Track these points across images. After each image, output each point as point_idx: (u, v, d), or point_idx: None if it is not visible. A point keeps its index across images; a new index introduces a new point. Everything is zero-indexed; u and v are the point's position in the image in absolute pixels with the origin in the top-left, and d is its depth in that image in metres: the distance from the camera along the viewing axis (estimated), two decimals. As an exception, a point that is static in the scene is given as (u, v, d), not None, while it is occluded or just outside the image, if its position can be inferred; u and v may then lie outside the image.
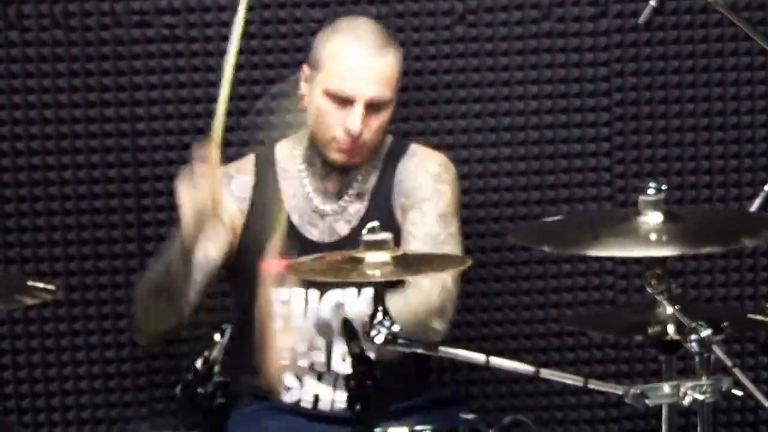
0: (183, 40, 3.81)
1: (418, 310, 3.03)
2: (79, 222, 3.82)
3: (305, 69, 3.14)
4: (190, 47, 3.84)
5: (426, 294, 3.08)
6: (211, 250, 3.08)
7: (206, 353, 3.05)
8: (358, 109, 2.98)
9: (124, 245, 3.82)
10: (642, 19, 3.25)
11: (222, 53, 3.42)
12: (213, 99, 3.48)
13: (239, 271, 3.19)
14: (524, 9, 3.70)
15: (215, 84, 3.48)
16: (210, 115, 3.45)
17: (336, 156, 3.07)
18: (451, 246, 3.17)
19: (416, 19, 3.69)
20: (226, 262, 3.18)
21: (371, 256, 2.45)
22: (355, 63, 3.04)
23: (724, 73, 3.79)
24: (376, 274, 2.45)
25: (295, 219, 3.17)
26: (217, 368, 3.08)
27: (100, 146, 3.80)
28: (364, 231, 2.49)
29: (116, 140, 3.79)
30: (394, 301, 2.85)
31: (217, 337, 3.04)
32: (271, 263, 2.97)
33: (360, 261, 2.46)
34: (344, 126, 3.00)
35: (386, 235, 2.48)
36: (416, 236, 3.15)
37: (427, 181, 3.24)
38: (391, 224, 3.05)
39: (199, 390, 3.02)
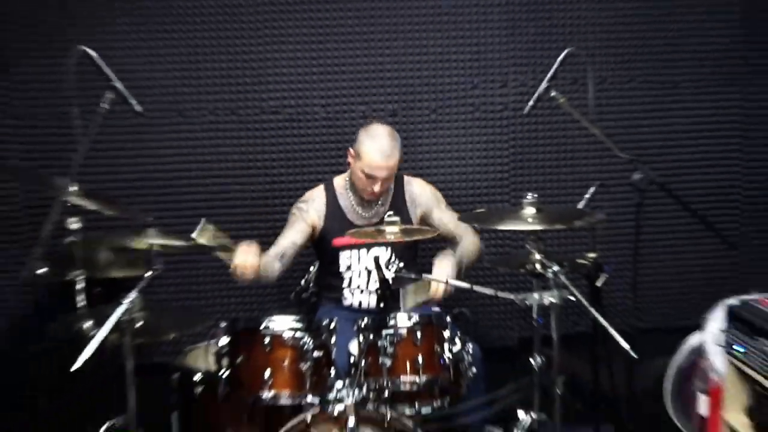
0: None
1: (476, 247, 3.37)
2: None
3: (351, 151, 3.23)
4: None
5: (473, 240, 3.38)
6: (298, 240, 3.24)
7: (307, 275, 3.34)
8: (378, 183, 3.17)
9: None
10: (527, 109, 3.36)
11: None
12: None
13: (322, 245, 3.32)
14: (465, 106, 3.72)
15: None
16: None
17: (367, 198, 3.28)
18: (456, 218, 3.37)
19: (406, 111, 3.71)
20: (311, 241, 3.32)
21: (389, 228, 2.76)
22: (377, 163, 3.14)
23: (577, 138, 3.78)
24: (392, 237, 2.75)
25: (349, 217, 3.30)
26: (311, 284, 3.34)
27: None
28: (386, 217, 2.78)
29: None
30: (466, 245, 3.35)
31: (312, 268, 3.32)
32: (340, 239, 3.04)
33: (383, 230, 2.77)
34: (371, 189, 3.19)
35: (396, 219, 2.78)
36: (450, 222, 3.37)
37: (429, 196, 3.43)
38: (405, 217, 3.30)
39: (303, 295, 3.33)
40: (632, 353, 2.53)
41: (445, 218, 3.39)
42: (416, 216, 3.37)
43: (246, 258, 2.93)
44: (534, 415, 2.94)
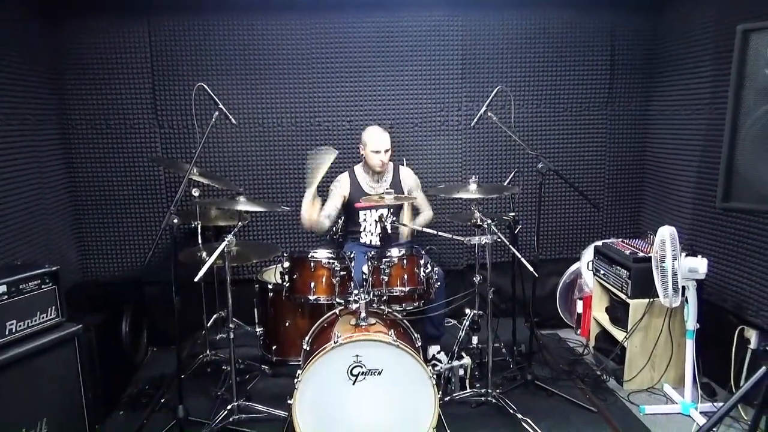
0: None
1: (430, 217, 3.27)
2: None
3: (360, 145, 3.16)
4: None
5: (429, 214, 3.30)
6: (337, 204, 3.13)
7: (336, 225, 3.15)
8: (383, 154, 3.07)
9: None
10: (473, 123, 3.25)
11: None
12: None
13: (349, 207, 3.18)
14: (436, 121, 3.53)
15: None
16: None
17: (376, 168, 3.14)
18: (425, 198, 3.33)
19: (399, 125, 3.50)
20: (343, 205, 3.17)
21: (388, 197, 2.72)
22: (377, 140, 3.09)
23: (503, 142, 3.57)
24: (391, 200, 2.71)
25: (365, 189, 3.16)
26: (340, 230, 3.17)
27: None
28: (388, 190, 2.72)
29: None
30: (425, 216, 3.27)
31: (340, 221, 3.13)
32: (359, 204, 3.03)
33: (384, 198, 2.72)
34: (379, 159, 3.09)
35: (392, 191, 2.75)
36: (420, 200, 3.29)
37: (414, 181, 3.30)
38: (400, 190, 3.18)
39: (334, 237, 3.14)
40: (535, 274, 2.50)
41: (419, 197, 3.31)
42: (405, 191, 3.27)
43: (310, 203, 2.97)
44: (475, 312, 2.93)
